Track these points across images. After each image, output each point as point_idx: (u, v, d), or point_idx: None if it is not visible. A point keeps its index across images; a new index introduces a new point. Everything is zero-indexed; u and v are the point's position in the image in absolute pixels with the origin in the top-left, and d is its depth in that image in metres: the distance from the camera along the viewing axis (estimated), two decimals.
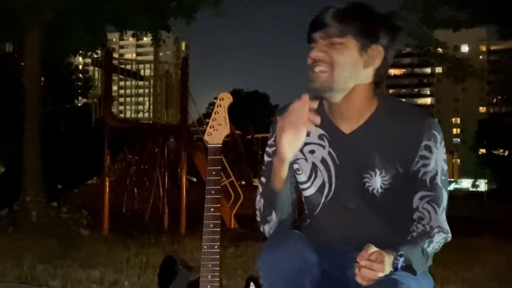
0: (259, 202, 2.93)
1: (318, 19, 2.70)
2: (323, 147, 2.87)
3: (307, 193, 2.95)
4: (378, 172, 2.79)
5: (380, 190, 2.80)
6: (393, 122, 2.79)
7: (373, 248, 2.44)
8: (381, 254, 2.43)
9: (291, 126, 2.60)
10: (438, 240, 2.73)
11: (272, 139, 2.95)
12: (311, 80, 2.73)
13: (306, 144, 2.85)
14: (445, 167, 2.83)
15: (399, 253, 2.52)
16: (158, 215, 16.24)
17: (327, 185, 2.88)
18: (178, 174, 15.85)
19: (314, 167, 2.90)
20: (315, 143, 2.89)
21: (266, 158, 3.00)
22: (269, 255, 2.68)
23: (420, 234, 2.72)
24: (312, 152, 2.88)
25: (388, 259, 2.47)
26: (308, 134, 2.78)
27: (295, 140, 2.63)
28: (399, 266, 2.50)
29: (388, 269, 2.45)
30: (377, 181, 2.79)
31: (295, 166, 2.93)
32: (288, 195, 2.88)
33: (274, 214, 2.86)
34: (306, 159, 2.91)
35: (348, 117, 2.83)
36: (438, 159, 2.77)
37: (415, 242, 2.66)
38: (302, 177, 2.93)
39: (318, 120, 2.60)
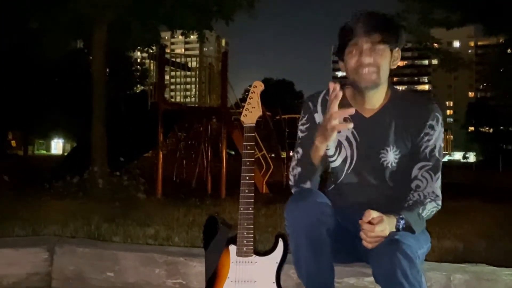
0: (295, 169, 3.01)
1: (363, 27, 2.77)
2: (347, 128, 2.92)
3: (333, 164, 3.07)
4: (392, 148, 2.90)
5: (393, 164, 2.91)
6: (405, 106, 2.92)
7: (375, 214, 2.53)
8: (381, 218, 2.53)
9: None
10: (430, 208, 2.81)
11: (305, 119, 3.10)
12: (359, 79, 2.84)
13: None
14: (442, 144, 2.93)
15: (400, 216, 2.62)
16: (202, 182, 16.26)
17: (349, 159, 3.00)
18: (219, 148, 15.87)
19: (339, 144, 3.01)
20: None
21: (300, 135, 3.11)
22: (293, 207, 2.77)
23: (415, 202, 2.80)
24: (338, 132, 2.92)
25: (390, 221, 2.57)
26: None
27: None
28: (400, 227, 2.60)
29: (389, 230, 2.55)
30: (391, 156, 2.91)
31: None
32: (321, 168, 2.93)
33: (308, 182, 2.93)
34: None
35: (369, 104, 2.96)
36: (438, 136, 2.89)
37: (412, 208, 2.75)
38: (330, 152, 3.02)
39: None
